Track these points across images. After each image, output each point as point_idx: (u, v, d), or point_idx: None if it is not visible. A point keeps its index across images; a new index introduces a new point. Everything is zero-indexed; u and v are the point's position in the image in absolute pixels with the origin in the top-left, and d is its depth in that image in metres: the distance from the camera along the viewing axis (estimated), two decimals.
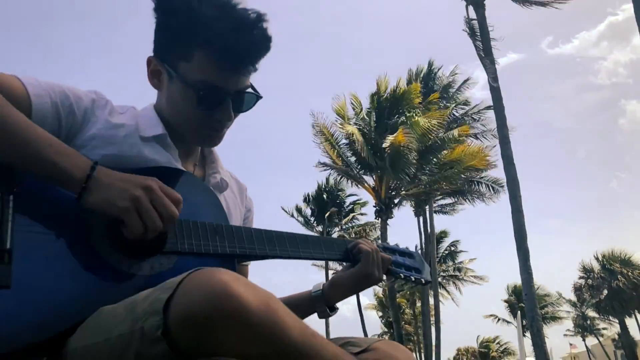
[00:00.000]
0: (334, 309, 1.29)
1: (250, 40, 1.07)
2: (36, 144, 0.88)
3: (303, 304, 1.28)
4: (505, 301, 40.43)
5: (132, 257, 0.94)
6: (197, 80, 1.07)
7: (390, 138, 16.18)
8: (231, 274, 0.73)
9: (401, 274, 1.40)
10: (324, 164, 18.25)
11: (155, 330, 0.71)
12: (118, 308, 0.82)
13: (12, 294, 0.80)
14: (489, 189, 20.33)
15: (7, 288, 0.79)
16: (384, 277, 1.33)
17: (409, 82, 19.57)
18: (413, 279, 1.43)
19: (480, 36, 15.77)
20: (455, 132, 18.27)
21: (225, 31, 1.05)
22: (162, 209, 0.90)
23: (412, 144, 16.04)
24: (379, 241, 1.64)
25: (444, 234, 31.69)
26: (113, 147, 1.03)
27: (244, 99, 1.14)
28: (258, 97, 1.16)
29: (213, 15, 1.05)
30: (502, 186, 19.31)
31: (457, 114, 21.94)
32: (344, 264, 1.33)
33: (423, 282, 1.47)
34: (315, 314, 1.31)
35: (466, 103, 22.52)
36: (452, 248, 32.30)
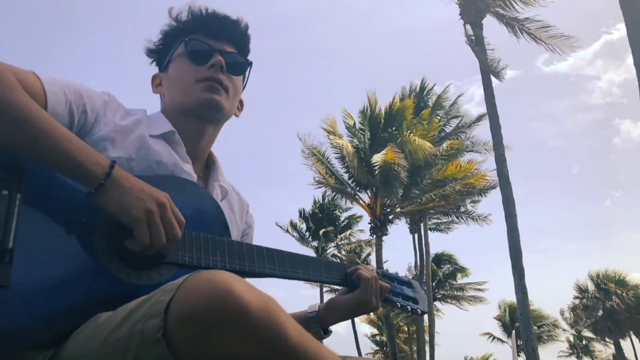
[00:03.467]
0: (327, 332, 1.29)
1: (221, 14, 1.26)
2: (58, 139, 0.90)
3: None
4: (498, 319, 40.27)
5: (132, 267, 0.94)
6: (183, 44, 1.23)
7: (379, 156, 16.21)
8: (232, 275, 0.73)
9: (398, 303, 1.40)
10: (319, 182, 18.24)
11: (156, 331, 0.71)
12: (115, 314, 0.81)
13: (9, 294, 0.79)
14: (482, 195, 20.20)
15: (5, 288, 0.78)
16: (381, 305, 1.34)
17: (402, 100, 19.65)
18: (409, 309, 1.44)
19: (477, 56, 15.91)
20: (445, 144, 18.34)
21: (197, 12, 1.26)
22: (169, 228, 0.92)
23: (402, 161, 16.04)
24: (378, 266, 1.64)
25: (446, 257, 31.56)
26: (122, 150, 1.05)
27: (233, 60, 1.24)
28: (247, 61, 1.28)
29: (187, 12, 1.26)
30: (495, 187, 19.21)
31: (448, 130, 21.98)
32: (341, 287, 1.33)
33: (419, 312, 1.47)
34: None
35: (456, 116, 22.59)
36: (453, 269, 32.12)
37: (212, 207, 1.12)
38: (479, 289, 31.45)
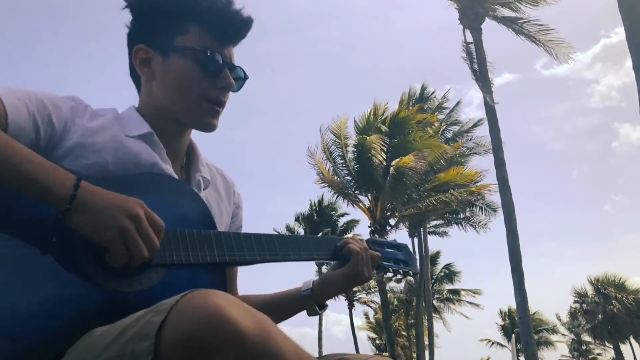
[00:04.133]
0: (323, 307, 1.29)
1: (238, 10, 1.14)
2: (15, 160, 0.84)
3: (293, 302, 1.28)
4: (499, 323, 40.24)
5: (119, 274, 0.91)
6: (196, 46, 1.10)
7: (397, 160, 16.16)
8: (226, 296, 0.72)
9: (390, 268, 1.41)
10: (323, 179, 18.28)
11: (146, 355, 0.69)
12: (109, 330, 0.79)
13: None
14: (483, 212, 20.30)
15: None
16: (374, 273, 1.34)
17: (401, 105, 19.70)
18: (401, 272, 1.45)
19: (477, 59, 15.97)
20: (449, 149, 18.38)
21: (215, 3, 1.12)
22: (146, 240, 0.88)
23: (419, 166, 16.06)
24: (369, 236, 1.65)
25: (437, 255, 31.59)
26: (96, 154, 1.00)
27: (238, 78, 1.19)
28: (246, 76, 1.21)
29: None
30: (496, 210, 19.36)
31: (449, 135, 22.06)
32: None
33: (411, 273, 1.48)
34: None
35: (456, 123, 22.68)
36: (446, 270, 32.14)
37: (195, 201, 1.08)
38: (473, 296, 31.48)
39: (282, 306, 1.28)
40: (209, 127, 1.15)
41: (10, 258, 0.84)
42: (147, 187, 0.99)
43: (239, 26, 1.15)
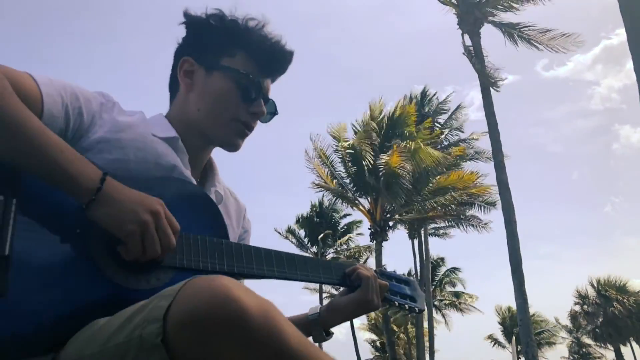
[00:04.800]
0: (329, 334, 1.29)
1: (283, 48, 1.21)
2: (49, 150, 0.87)
3: (299, 326, 1.26)
4: (500, 324, 40.15)
5: (130, 271, 0.93)
6: (239, 70, 1.16)
7: (384, 157, 16.21)
8: (231, 279, 0.73)
9: (396, 302, 1.40)
10: (318, 185, 18.28)
11: (155, 337, 0.71)
12: (113, 319, 0.81)
13: (7, 302, 0.78)
14: (481, 209, 20.23)
15: (4, 297, 0.77)
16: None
17: (399, 105, 19.67)
18: (407, 307, 1.43)
19: (477, 64, 15.96)
20: (451, 150, 18.39)
21: (266, 38, 1.19)
22: (163, 237, 0.91)
23: (407, 166, 16.07)
24: (376, 265, 1.64)
25: (441, 261, 31.54)
26: (119, 151, 1.03)
27: (270, 111, 1.24)
28: (276, 111, 1.26)
29: (254, 25, 1.19)
30: (495, 204, 19.29)
31: (451, 139, 22.03)
32: (341, 288, 1.32)
33: (417, 310, 1.46)
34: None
35: (459, 128, 22.63)
36: (450, 275, 32.07)
37: (211, 209, 1.10)
38: (470, 300, 31.40)
39: None
40: (234, 146, 1.20)
41: (30, 242, 0.86)
42: (165, 190, 1.01)
43: (282, 62, 1.23)
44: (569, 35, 15.78)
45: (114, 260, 0.92)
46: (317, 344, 0.81)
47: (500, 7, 16.15)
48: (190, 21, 1.21)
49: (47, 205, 0.92)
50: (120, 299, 0.89)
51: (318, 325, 1.27)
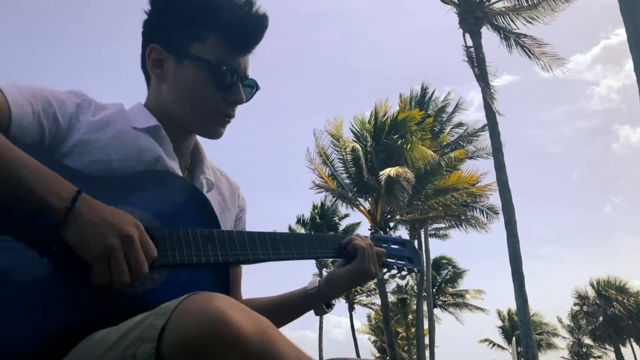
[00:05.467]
0: (330, 306, 1.28)
1: (257, 16, 1.11)
2: (14, 169, 0.82)
3: (299, 302, 1.27)
4: (499, 326, 40.17)
5: None
6: (212, 59, 1.08)
7: (385, 171, 16.19)
8: (227, 299, 0.71)
9: (394, 265, 1.40)
10: (319, 186, 18.26)
11: (148, 358, 0.69)
12: (110, 333, 0.79)
13: None
14: (484, 215, 20.31)
15: None
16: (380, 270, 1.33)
17: (403, 107, 19.69)
18: (406, 269, 1.43)
19: (477, 63, 15.99)
20: (452, 154, 18.42)
21: (237, 10, 1.09)
22: (133, 264, 0.85)
23: (408, 175, 16.06)
24: (372, 232, 1.62)
25: (446, 260, 31.52)
26: (99, 151, 0.99)
27: (249, 85, 1.17)
28: (257, 87, 1.19)
29: None
30: (497, 213, 19.38)
31: (451, 139, 22.04)
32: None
33: (415, 271, 1.46)
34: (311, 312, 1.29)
35: (460, 125, 22.65)
36: (452, 274, 32.05)
37: (199, 200, 1.06)
38: (478, 296, 31.38)
39: (288, 307, 1.27)
40: (215, 134, 1.16)
41: (9, 261, 0.83)
42: (150, 185, 0.98)
43: (257, 33, 1.13)
44: (559, 58, 16.34)
45: None
46: (315, 359, 0.78)
47: (502, 14, 16.31)
48: (153, 2, 1.12)
49: (23, 219, 0.86)
50: (117, 307, 0.86)
51: (318, 299, 1.26)
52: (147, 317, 0.75)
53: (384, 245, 1.39)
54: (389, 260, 1.38)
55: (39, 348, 0.80)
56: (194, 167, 1.20)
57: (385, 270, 1.41)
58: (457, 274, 31.68)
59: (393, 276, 1.44)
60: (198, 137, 1.23)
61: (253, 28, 1.12)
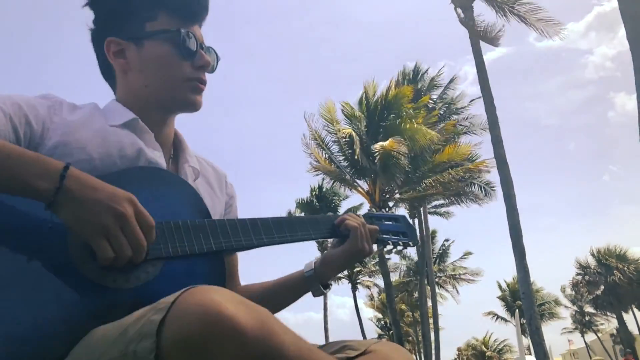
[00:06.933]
0: (327, 286, 1.29)
1: None
2: None
3: (297, 285, 1.28)
4: (501, 298, 40.57)
5: (116, 271, 0.89)
6: (169, 29, 1.12)
7: (379, 144, 16.18)
8: (224, 292, 0.72)
9: (389, 241, 1.40)
10: (316, 168, 18.24)
11: (148, 353, 0.69)
12: (110, 329, 0.79)
13: None
14: (482, 190, 20.34)
15: None
16: (375, 247, 1.33)
17: (397, 85, 19.57)
18: (401, 243, 1.43)
19: (469, 37, 15.87)
20: (441, 126, 18.37)
21: None
22: (132, 238, 0.86)
23: (402, 149, 16.05)
24: (366, 210, 1.62)
25: (433, 234, 31.76)
26: (80, 151, 0.99)
27: (210, 53, 1.19)
28: (218, 57, 1.22)
29: None
30: (494, 188, 19.41)
31: (442, 112, 21.93)
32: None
33: (411, 244, 1.46)
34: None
35: (453, 101, 22.50)
36: (444, 247, 32.39)
37: (186, 191, 1.06)
38: (464, 268, 31.71)
39: (286, 290, 1.28)
40: (194, 105, 1.16)
41: (3, 257, 0.83)
42: (135, 182, 0.97)
43: (202, 2, 1.18)
44: (556, 22, 16.05)
45: (96, 264, 0.88)
46: (318, 350, 0.78)
47: None
48: (99, 2, 1.15)
49: (15, 215, 0.87)
50: (114, 302, 0.86)
51: (315, 281, 1.27)
52: (146, 312, 0.75)
53: (376, 222, 1.39)
54: (383, 236, 1.39)
55: (40, 348, 0.80)
56: (177, 157, 1.21)
57: (381, 247, 1.42)
58: (446, 250, 32.04)
59: (389, 252, 1.45)
60: (178, 128, 1.24)
61: None
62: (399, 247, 1.45)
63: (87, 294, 0.86)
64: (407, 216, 1.50)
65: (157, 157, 1.09)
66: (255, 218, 1.12)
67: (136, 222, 0.87)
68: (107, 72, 1.19)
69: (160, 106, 1.14)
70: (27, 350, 0.79)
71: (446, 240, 32.43)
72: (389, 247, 1.43)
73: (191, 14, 1.16)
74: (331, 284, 1.30)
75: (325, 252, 1.32)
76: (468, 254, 32.34)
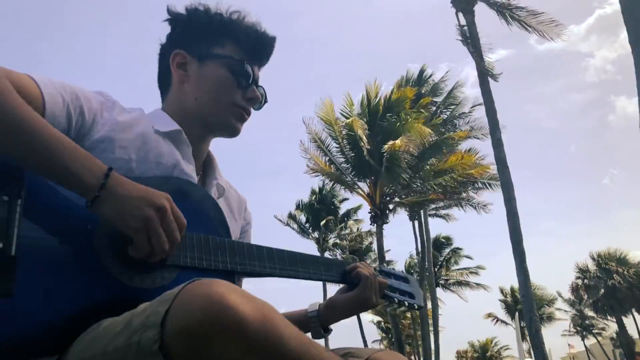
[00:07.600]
0: (327, 330, 1.31)
1: (267, 35, 1.26)
2: (51, 146, 0.86)
3: (298, 323, 1.28)
4: (502, 301, 40.51)
5: (135, 270, 0.94)
6: (233, 57, 1.20)
7: (390, 144, 16.14)
8: (227, 284, 0.73)
9: (395, 299, 1.43)
10: (314, 169, 18.19)
11: (152, 344, 0.70)
12: (117, 321, 0.81)
13: (13, 303, 0.79)
14: (487, 186, 20.15)
15: (10, 297, 0.78)
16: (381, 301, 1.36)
17: (396, 87, 19.53)
18: (406, 304, 1.46)
19: (471, 41, 15.90)
20: (453, 135, 18.37)
21: (250, 26, 1.24)
22: (169, 233, 0.90)
23: (411, 149, 16.04)
24: (376, 263, 1.67)
25: (446, 240, 31.69)
26: (121, 150, 1.04)
27: (262, 93, 1.27)
28: (266, 100, 1.29)
29: (238, 16, 1.24)
30: (497, 179, 19.33)
31: (445, 115, 21.89)
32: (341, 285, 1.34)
33: (416, 307, 1.50)
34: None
35: (453, 102, 22.42)
36: (454, 254, 32.25)
37: (212, 208, 1.11)
38: (476, 272, 31.62)
39: None
40: (234, 130, 1.23)
41: (36, 242, 0.87)
42: (169, 190, 1.00)
43: (268, 48, 1.27)
44: (557, 24, 16.07)
45: (119, 260, 0.93)
46: (319, 342, 0.81)
47: None
48: (176, 17, 1.23)
49: (52, 204, 0.92)
50: (126, 298, 0.89)
51: (317, 323, 1.29)
52: (151, 304, 0.77)
53: (386, 278, 1.41)
54: (390, 293, 1.41)
55: (50, 329, 0.84)
56: (206, 174, 1.26)
57: (386, 302, 1.44)
58: (457, 254, 31.90)
59: (393, 309, 1.48)
60: (211, 148, 1.29)
61: (265, 41, 1.26)
62: (403, 308, 1.49)
63: (103, 286, 0.90)
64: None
65: (190, 170, 1.14)
66: (272, 247, 1.16)
67: (173, 218, 0.91)
68: (164, 81, 1.26)
69: (203, 122, 1.20)
70: (35, 329, 0.83)
71: (459, 248, 32.25)
72: (394, 305, 1.46)
73: (257, 53, 1.25)
74: (331, 329, 1.31)
75: (331, 296, 1.33)
76: (469, 257, 32.26)
